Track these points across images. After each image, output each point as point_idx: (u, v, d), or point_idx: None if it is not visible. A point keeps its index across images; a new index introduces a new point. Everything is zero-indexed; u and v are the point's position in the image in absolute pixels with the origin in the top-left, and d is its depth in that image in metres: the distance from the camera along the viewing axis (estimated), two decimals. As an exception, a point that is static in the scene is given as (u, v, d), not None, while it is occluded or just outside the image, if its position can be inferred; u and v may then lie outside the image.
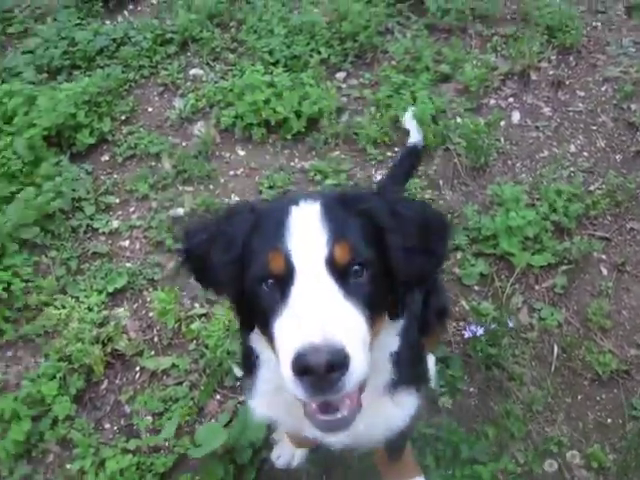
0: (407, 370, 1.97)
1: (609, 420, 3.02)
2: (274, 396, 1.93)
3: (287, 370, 1.44)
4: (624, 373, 3.13)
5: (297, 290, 1.50)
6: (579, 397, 3.09)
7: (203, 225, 1.81)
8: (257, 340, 1.79)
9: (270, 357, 1.72)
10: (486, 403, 3.04)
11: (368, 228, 1.63)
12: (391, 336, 1.82)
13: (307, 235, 1.55)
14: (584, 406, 3.06)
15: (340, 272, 1.53)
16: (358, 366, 1.44)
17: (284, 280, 1.52)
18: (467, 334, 3.07)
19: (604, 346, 3.22)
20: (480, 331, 3.03)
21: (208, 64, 4.50)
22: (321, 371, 1.38)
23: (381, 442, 2.19)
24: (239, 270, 1.63)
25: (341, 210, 1.63)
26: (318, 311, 1.45)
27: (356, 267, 1.56)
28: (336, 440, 1.99)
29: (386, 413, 2.01)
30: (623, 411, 3.03)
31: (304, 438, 2.21)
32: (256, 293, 1.58)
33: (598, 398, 3.08)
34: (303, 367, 1.39)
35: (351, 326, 1.49)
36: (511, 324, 3.19)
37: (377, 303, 1.61)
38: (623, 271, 3.50)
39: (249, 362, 1.99)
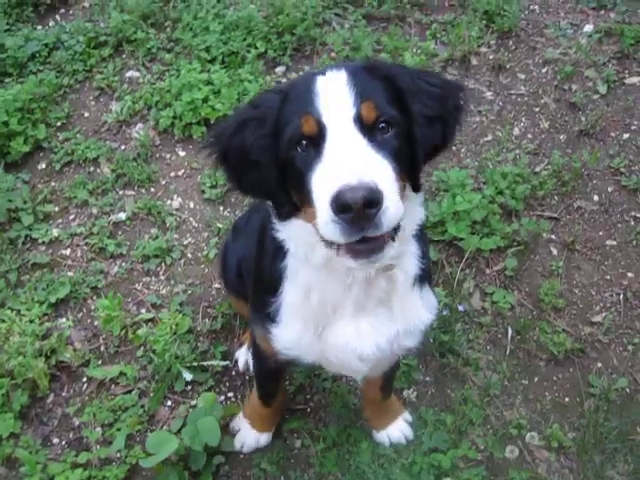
0: (427, 267, 2.14)
1: (567, 399, 3.03)
2: (303, 305, 2.05)
3: (326, 212, 1.56)
4: (579, 351, 3.15)
5: (330, 145, 1.64)
6: (536, 378, 3.10)
7: (232, 118, 1.97)
8: (290, 231, 1.91)
9: (302, 250, 1.91)
10: (442, 391, 3.04)
11: (391, 91, 1.77)
12: (416, 205, 1.93)
13: (335, 97, 1.69)
14: (541, 387, 3.07)
15: (368, 128, 1.67)
16: (392, 203, 1.56)
17: (317, 140, 1.67)
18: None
19: (558, 326, 3.23)
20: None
21: (144, 65, 4.37)
22: (358, 206, 1.50)
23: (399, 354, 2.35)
24: (274, 143, 1.76)
25: (365, 75, 1.77)
26: (350, 158, 1.59)
27: (382, 124, 1.70)
28: (366, 350, 2.07)
29: (415, 310, 2.12)
30: (580, 389, 3.04)
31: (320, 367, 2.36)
32: (291, 157, 1.71)
33: (555, 378, 3.10)
34: (341, 204, 1.50)
35: (382, 171, 1.61)
36: (462, 308, 3.18)
37: (402, 159, 1.73)
38: (573, 250, 3.52)
39: (275, 275, 2.09)
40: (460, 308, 3.15)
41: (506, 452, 2.69)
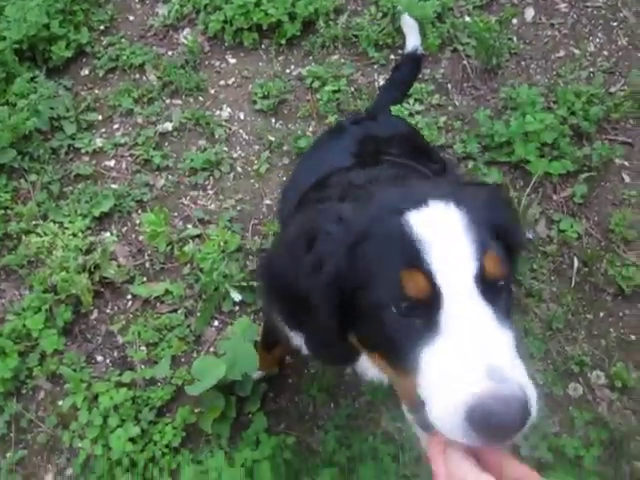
0: None
1: (633, 337, 2.91)
2: None
3: (455, 419, 1.17)
4: None
5: (451, 316, 1.23)
6: (601, 313, 2.97)
7: (282, 251, 1.56)
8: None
9: None
10: None
11: (503, 238, 1.37)
12: None
13: (451, 244, 1.27)
14: (606, 323, 2.95)
15: (490, 289, 1.27)
16: (534, 399, 1.19)
17: (427, 303, 1.25)
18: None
19: (628, 259, 3.07)
20: (531, 234, 2.88)
21: (195, -37, 4.14)
22: (510, 430, 1.14)
23: None
24: (338, 295, 1.36)
25: (481, 213, 1.34)
26: (491, 346, 1.20)
27: (503, 282, 1.31)
28: None
29: None
30: None
31: None
32: (382, 317, 1.30)
33: (621, 314, 2.97)
34: (491, 425, 1.13)
35: (516, 355, 1.24)
36: (529, 235, 3.03)
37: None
38: None
39: None
40: (528, 235, 2.99)
41: (569, 389, 2.58)
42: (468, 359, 1.18)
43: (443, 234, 1.27)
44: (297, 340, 1.85)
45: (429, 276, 1.24)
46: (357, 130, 2.48)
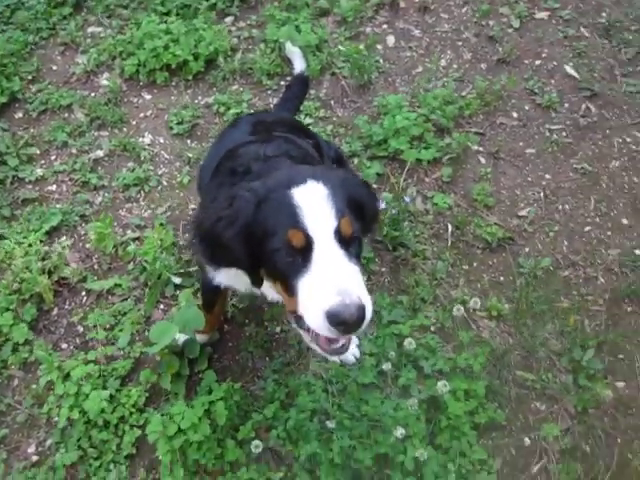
0: None
1: (502, 278, 3.49)
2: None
3: (320, 319, 1.81)
4: (509, 239, 3.62)
5: (317, 259, 1.85)
6: (475, 263, 3.55)
7: (210, 211, 2.14)
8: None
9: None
10: (397, 278, 3.43)
11: (355, 205, 2.00)
12: None
13: (319, 211, 1.88)
14: (480, 270, 3.51)
15: (344, 240, 1.89)
16: (370, 310, 1.84)
17: (303, 251, 1.87)
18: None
19: (490, 220, 3.68)
20: (382, 204, 3.38)
21: (105, 19, 4.67)
22: (353, 323, 1.77)
23: None
24: (247, 239, 1.97)
25: (340, 190, 1.96)
26: (339, 275, 1.82)
27: (354, 236, 1.93)
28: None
29: None
30: (512, 270, 3.50)
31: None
32: (276, 258, 1.92)
33: (490, 262, 3.55)
34: (339, 321, 1.77)
35: (359, 280, 1.88)
36: (407, 200, 3.59)
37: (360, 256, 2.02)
38: (498, 158, 3.97)
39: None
40: (406, 199, 3.55)
41: (453, 311, 3.07)
42: (326, 283, 1.82)
43: (314, 204, 1.89)
44: (216, 277, 2.52)
45: (305, 232, 1.86)
46: (250, 118, 3.14)
